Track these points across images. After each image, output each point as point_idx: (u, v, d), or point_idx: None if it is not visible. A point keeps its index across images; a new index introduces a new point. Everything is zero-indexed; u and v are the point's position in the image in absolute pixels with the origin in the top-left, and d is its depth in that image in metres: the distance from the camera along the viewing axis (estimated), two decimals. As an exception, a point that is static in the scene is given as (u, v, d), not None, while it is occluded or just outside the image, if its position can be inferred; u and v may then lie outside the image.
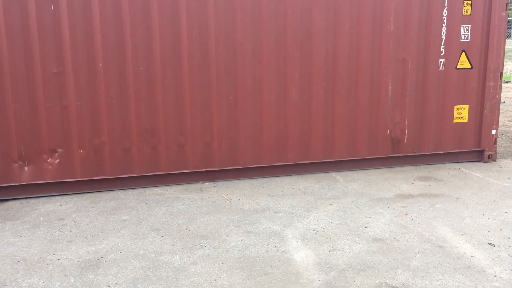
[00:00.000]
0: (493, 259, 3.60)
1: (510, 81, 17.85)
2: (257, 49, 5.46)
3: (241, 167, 5.68)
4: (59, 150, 5.07)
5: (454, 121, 6.25)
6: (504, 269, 3.44)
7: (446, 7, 5.96)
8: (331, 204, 4.86)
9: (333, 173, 5.93)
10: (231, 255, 3.71)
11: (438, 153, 6.31)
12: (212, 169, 5.59)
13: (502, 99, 12.73)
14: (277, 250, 3.80)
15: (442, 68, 6.09)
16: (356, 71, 5.82)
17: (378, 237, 4.03)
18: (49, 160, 5.06)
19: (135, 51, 5.11)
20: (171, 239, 4.01)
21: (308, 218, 4.48)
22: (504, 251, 3.74)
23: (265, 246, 3.87)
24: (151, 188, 5.37)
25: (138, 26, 5.07)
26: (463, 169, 6.08)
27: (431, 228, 4.21)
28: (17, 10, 4.73)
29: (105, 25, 4.98)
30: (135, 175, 5.35)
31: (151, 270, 3.48)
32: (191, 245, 3.89)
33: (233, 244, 3.91)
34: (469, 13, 6.04)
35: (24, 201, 4.97)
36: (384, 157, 6.15)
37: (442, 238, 3.99)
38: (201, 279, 3.34)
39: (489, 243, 3.88)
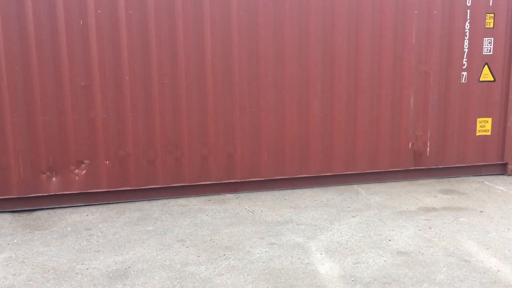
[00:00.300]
0: (520, 274, 3.58)
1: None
2: (280, 63, 5.53)
3: (263, 179, 5.73)
4: (86, 161, 5.18)
5: (477, 134, 6.22)
6: (531, 284, 3.42)
7: (469, 20, 5.96)
8: (353, 216, 4.86)
9: (355, 186, 5.94)
10: (256, 266, 3.75)
11: (461, 166, 6.28)
12: (235, 180, 5.65)
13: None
14: (302, 262, 3.82)
15: (465, 81, 6.08)
16: (378, 84, 5.85)
17: (403, 250, 4.03)
18: (76, 171, 5.17)
19: (160, 65, 5.21)
20: (196, 250, 4.06)
21: (331, 230, 4.49)
22: (531, 266, 3.71)
23: (290, 258, 3.90)
24: (174, 199, 5.44)
25: (163, 41, 5.18)
26: (486, 182, 6.03)
27: (455, 241, 4.19)
28: (47, 25, 4.87)
29: (131, 40, 5.10)
30: (159, 186, 5.43)
31: (177, 280, 3.53)
32: (216, 256, 3.94)
33: (257, 255, 3.95)
34: (491, 26, 6.03)
35: (51, 211, 5.08)
36: (406, 170, 6.14)
37: (467, 252, 3.97)
38: (227, 290, 3.39)
39: (515, 258, 3.85)
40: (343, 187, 5.90)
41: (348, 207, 5.16)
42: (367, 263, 3.79)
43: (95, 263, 3.83)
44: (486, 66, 6.10)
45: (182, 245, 4.19)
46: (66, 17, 4.91)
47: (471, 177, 6.27)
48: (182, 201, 5.40)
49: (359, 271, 3.64)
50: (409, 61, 5.89)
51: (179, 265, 3.78)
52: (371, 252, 3.99)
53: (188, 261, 3.86)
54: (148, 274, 3.64)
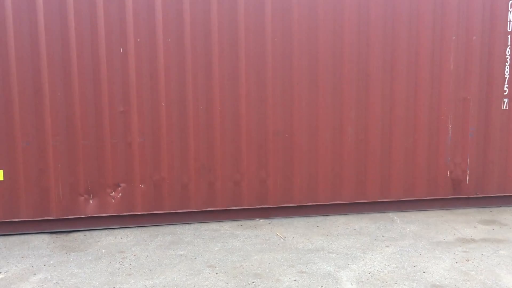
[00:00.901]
0: None
1: None
2: (313, 89, 5.53)
3: (295, 205, 5.70)
4: (122, 184, 5.30)
5: (520, 162, 5.99)
6: None
7: (509, 46, 5.82)
8: (387, 246, 4.75)
9: (390, 214, 5.81)
10: (285, 295, 3.71)
11: (503, 196, 6.05)
12: (267, 206, 5.64)
13: None
14: (331, 292, 3.75)
15: (506, 107, 5.90)
16: (415, 110, 5.75)
17: (437, 283, 3.89)
18: (113, 194, 5.30)
19: (195, 91, 5.32)
20: (225, 276, 4.06)
21: (363, 260, 4.40)
22: None
23: (319, 287, 3.83)
24: (207, 224, 5.48)
25: (198, 68, 5.29)
26: (530, 213, 5.78)
27: (494, 276, 4.02)
28: (89, 53, 5.08)
29: (168, 68, 5.24)
30: (192, 210, 5.48)
31: (205, 307, 3.53)
32: (245, 284, 3.92)
33: (286, 284, 3.90)
34: (534, 51, 5.86)
35: (88, 233, 5.21)
36: (445, 199, 5.96)
37: (506, 287, 3.80)
38: (254, 319, 3.35)
39: (559, 296, 3.65)
40: (377, 215, 5.78)
41: (382, 236, 5.05)
42: (399, 295, 3.68)
43: (126, 287, 3.89)
44: (529, 92, 5.90)
45: (212, 270, 4.19)
46: (107, 45, 5.10)
47: (514, 207, 6.03)
48: (214, 225, 5.43)
49: (390, 304, 3.54)
50: (447, 87, 5.77)
51: (207, 291, 3.79)
52: (404, 285, 3.87)
53: (217, 287, 3.86)
54: (177, 299, 3.66)
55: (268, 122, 5.51)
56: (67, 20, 5.02)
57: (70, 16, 5.03)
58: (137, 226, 5.39)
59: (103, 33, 5.09)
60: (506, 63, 5.84)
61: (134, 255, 4.58)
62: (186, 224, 5.47)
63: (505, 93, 5.87)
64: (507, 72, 5.85)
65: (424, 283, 3.89)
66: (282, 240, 4.96)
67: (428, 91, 5.75)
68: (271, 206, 5.66)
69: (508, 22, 5.80)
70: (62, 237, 5.11)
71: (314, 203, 5.74)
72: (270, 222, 5.56)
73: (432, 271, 4.12)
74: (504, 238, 4.93)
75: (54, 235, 5.14)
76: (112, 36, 5.11)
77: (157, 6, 5.16)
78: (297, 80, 5.50)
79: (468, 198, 6.00)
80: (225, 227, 5.37)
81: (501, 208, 5.98)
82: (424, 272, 4.10)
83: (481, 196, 5.99)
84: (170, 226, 5.40)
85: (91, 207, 5.28)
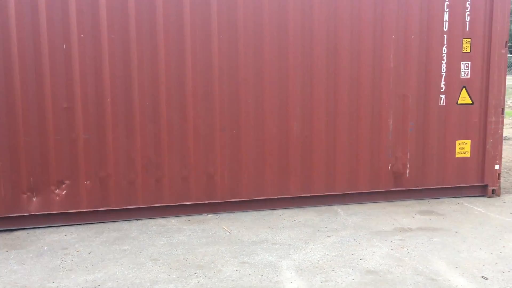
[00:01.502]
0: (485, 293, 3.61)
1: (523, 117, 17.72)
2: (259, 85, 5.65)
3: (243, 199, 5.79)
4: (66, 181, 5.26)
5: (457, 155, 6.29)
6: (494, 303, 3.45)
7: (446, 45, 6.10)
8: (329, 236, 4.91)
9: (335, 206, 5.99)
10: (225, 285, 3.79)
11: (441, 188, 6.33)
12: (215, 201, 5.71)
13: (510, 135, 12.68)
14: (270, 280, 3.86)
15: (443, 103, 6.19)
16: (357, 106, 5.95)
17: (372, 269, 4.06)
18: (57, 191, 5.25)
19: (141, 87, 5.34)
20: (168, 269, 4.11)
21: (305, 250, 4.53)
22: (496, 284, 3.74)
23: (259, 276, 3.94)
24: (154, 219, 5.49)
25: (144, 63, 5.31)
26: (466, 204, 6.08)
27: (426, 261, 4.23)
28: (31, 48, 5.02)
29: (113, 64, 5.23)
30: (140, 206, 5.49)
31: (145, 298, 3.57)
32: (186, 275, 3.98)
33: (227, 274, 3.99)
34: (468, 50, 6.17)
35: (31, 231, 5.13)
36: (387, 191, 6.19)
37: (436, 271, 4.01)
38: (192, 307, 3.42)
39: (482, 277, 3.89)
40: (323, 207, 5.95)
41: (325, 227, 5.21)
42: (335, 281, 3.83)
43: (66, 282, 3.88)
44: (464, 89, 6.21)
45: (154, 264, 4.23)
46: (49, 41, 5.05)
47: (452, 198, 6.32)
48: (161, 221, 5.46)
49: (325, 289, 3.68)
50: (387, 84, 6.00)
51: (148, 283, 3.82)
52: (341, 271, 4.02)
53: (158, 280, 3.90)
54: (117, 291, 3.68)
55: (215, 118, 5.58)
56: (8, 16, 4.95)
57: (11, 11, 4.95)
58: (83, 224, 5.35)
59: (45, 29, 5.04)
60: (443, 61, 6.12)
61: (77, 251, 4.56)
62: (134, 220, 5.47)
63: (442, 90, 6.16)
64: (443, 70, 6.14)
65: (360, 269, 4.06)
66: (228, 233, 5.05)
67: (369, 88, 5.96)
68: (219, 201, 5.73)
69: (444, 22, 6.09)
70: (4, 235, 5.02)
71: (261, 198, 5.85)
72: (218, 216, 5.63)
73: (369, 258, 4.30)
74: (439, 227, 5.18)
75: (-5, 234, 5.05)
76: (54, 32, 5.07)
77: (101, 2, 5.15)
78: (243, 76, 5.60)
79: (409, 190, 6.25)
80: (173, 222, 5.41)
81: (439, 199, 6.26)
82: (360, 259, 4.27)
83: (421, 188, 6.26)
84: (116, 223, 5.39)
85: (34, 205, 5.20)
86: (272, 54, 5.65)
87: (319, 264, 4.19)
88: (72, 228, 5.23)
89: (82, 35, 5.14)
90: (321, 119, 5.87)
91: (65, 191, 5.27)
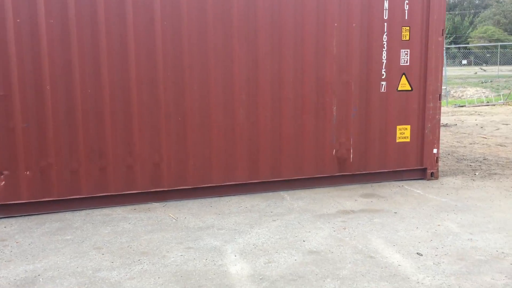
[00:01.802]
0: (419, 267, 3.79)
1: (465, 106, 18.58)
2: (205, 72, 5.64)
3: (190, 187, 5.79)
4: (5, 172, 5.08)
5: (397, 140, 6.53)
6: (427, 276, 3.63)
7: (386, 33, 6.30)
8: (274, 220, 4.99)
9: (281, 192, 6.09)
10: (169, 269, 3.79)
11: (383, 171, 6.56)
12: (162, 189, 5.68)
13: (454, 122, 13.27)
14: (215, 264, 3.90)
15: (384, 90, 6.39)
16: (302, 93, 6.06)
17: (314, 250, 4.18)
18: (-5, 182, 5.07)
19: (82, 74, 5.22)
20: (111, 256, 4.07)
21: (250, 234, 4.60)
22: (430, 260, 3.93)
23: (203, 260, 3.97)
24: (99, 209, 5.41)
25: (86, 49, 5.19)
26: (406, 186, 6.33)
27: (365, 240, 4.39)
28: (-37, 34, 4.81)
29: (53, 49, 5.08)
30: (83, 196, 5.39)
31: (86, 286, 3.53)
32: (130, 262, 3.96)
33: (172, 259, 3.99)
34: (407, 38, 6.39)
35: (-33, 224, 4.94)
36: (331, 176, 6.35)
37: (374, 249, 4.17)
38: (135, 292, 3.41)
39: (417, 253, 4.07)
40: (270, 193, 6.04)
41: (271, 212, 5.30)
42: (278, 262, 3.91)
43: (4, 273, 3.77)
44: (403, 76, 6.44)
45: (98, 252, 4.17)
46: (-17, 26, 4.86)
47: (393, 182, 6.56)
48: (106, 210, 5.38)
49: (268, 270, 3.75)
50: (331, 71, 6.14)
51: (90, 271, 3.78)
52: (284, 253, 4.11)
53: (101, 267, 3.85)
54: (57, 281, 3.62)
55: (160, 105, 5.54)
56: None
57: None
58: (24, 215, 5.20)
59: (-22, 13, 4.83)
60: (383, 49, 6.32)
61: (17, 242, 4.43)
62: (77, 211, 5.36)
63: (383, 77, 6.36)
64: (384, 57, 6.33)
65: (302, 250, 4.16)
66: (174, 220, 5.04)
67: (314, 74, 6.07)
68: (166, 189, 5.71)
69: (385, 11, 6.28)
70: None
71: (208, 185, 5.87)
72: (165, 204, 5.61)
73: (311, 240, 4.41)
74: (380, 209, 5.37)
75: None
76: (-12, 16, 4.87)
77: (38, -14, 4.99)
78: (188, 63, 5.58)
79: (353, 175, 6.44)
80: (118, 212, 5.34)
81: (381, 183, 6.49)
82: (304, 241, 4.38)
83: (364, 172, 6.46)
84: (59, 213, 5.27)
85: (-30, 197, 5.01)
86: (217, 41, 5.65)
87: (263, 247, 4.26)
88: (12, 220, 5.07)
89: (18, 20, 4.96)
90: (266, 106, 5.94)
91: (3, 182, 5.09)
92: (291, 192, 6.08)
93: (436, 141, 6.66)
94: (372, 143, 6.43)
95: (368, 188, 6.28)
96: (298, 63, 6.00)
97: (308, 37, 5.99)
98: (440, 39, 6.51)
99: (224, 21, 5.65)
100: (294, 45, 5.95)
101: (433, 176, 6.69)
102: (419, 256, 4.01)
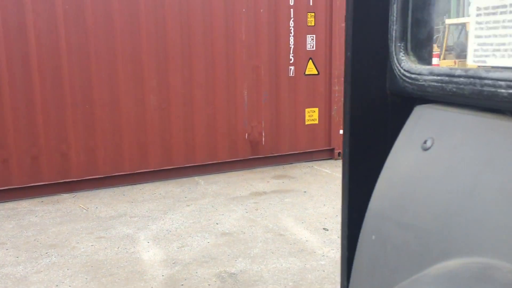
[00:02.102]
0: (324, 242, 4.02)
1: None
2: (112, 59, 5.50)
3: (101, 176, 5.65)
4: None
5: (306, 123, 6.79)
6: (331, 249, 3.87)
7: (292, 19, 6.48)
8: (188, 205, 5.04)
9: (196, 177, 6.13)
10: (78, 260, 3.72)
11: (295, 153, 6.81)
12: (71, 180, 5.50)
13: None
14: (127, 251, 3.88)
15: (293, 74, 6.60)
16: (213, 78, 6.10)
17: (227, 231, 4.29)
18: None
19: (-23, 61, 4.89)
20: (16, 251, 3.91)
21: (163, 220, 4.61)
22: (335, 234, 4.19)
23: (115, 249, 3.93)
24: (2, 204, 5.13)
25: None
26: (316, 167, 6.62)
27: (276, 219, 4.57)
28: None
29: None
30: (-16, 191, 5.09)
31: (-11, 283, 3.38)
32: (37, 255, 3.83)
33: (82, 250, 3.92)
34: (313, 24, 6.63)
35: None
36: (245, 159, 6.49)
37: (284, 227, 4.36)
38: (42, 286, 3.32)
39: (323, 228, 4.32)
40: (184, 179, 6.05)
41: (185, 197, 5.33)
42: (191, 246, 3.97)
43: None
44: (310, 60, 6.68)
45: (1, 248, 3.99)
46: None
47: (304, 162, 6.83)
48: (11, 204, 5.12)
49: (181, 254, 3.81)
50: (240, 56, 6.23)
51: (-7, 268, 3.61)
52: (197, 236, 4.18)
53: (5, 263, 3.69)
54: (-44, 280, 3.43)
55: (65, 94, 5.33)
56: None
57: None
58: None
59: None
60: (291, 34, 6.51)
61: None
62: (-22, 206, 5.06)
63: (291, 62, 6.56)
64: (291, 42, 6.53)
65: (215, 233, 4.25)
66: (84, 211, 4.92)
67: (224, 60, 6.13)
68: (76, 179, 5.53)
69: (291, -3, 6.46)
70: None
71: (120, 173, 5.76)
72: (75, 195, 5.44)
73: (224, 222, 4.51)
74: (290, 189, 5.60)
75: None
76: None
77: None
78: (94, 49, 5.40)
79: (266, 157, 6.62)
80: (24, 205, 5.11)
81: (293, 164, 6.73)
82: (217, 224, 4.47)
83: (276, 155, 6.67)
84: (-43, 210, 4.94)
85: None
86: (124, 26, 5.52)
87: (177, 232, 4.30)
88: None
89: None
90: (178, 92, 5.92)
91: None
92: (206, 177, 6.14)
93: (342, 123, 7.00)
94: (283, 126, 6.64)
95: (280, 169, 6.50)
96: (208, 48, 6.02)
97: (217, 23, 6.02)
98: (343, 24, 6.79)
99: (130, 4, 5.52)
100: (203, 30, 5.96)
101: (340, 156, 7.04)
102: (325, 231, 4.26)
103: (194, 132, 6.10)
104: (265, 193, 5.45)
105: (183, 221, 4.56)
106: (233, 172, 6.36)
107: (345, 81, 1.06)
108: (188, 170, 6.16)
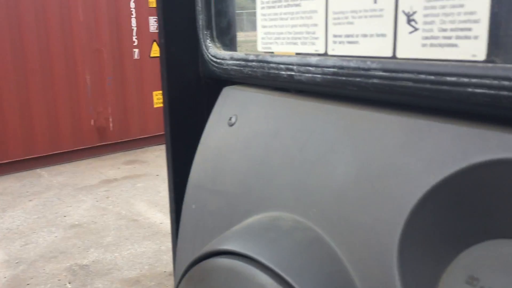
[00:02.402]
0: (179, 222, 4.07)
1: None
2: None
3: None
4: None
5: (155, 106, 6.72)
6: (186, 228, 3.94)
7: (133, 0, 6.31)
8: (31, 200, 4.69)
9: (38, 170, 5.70)
10: None
11: (145, 137, 6.70)
12: None
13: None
14: (-40, 258, 3.50)
15: (138, 57, 6.45)
16: (50, 63, 5.68)
17: (76, 223, 4.10)
18: None
19: None
20: None
21: (2, 218, 4.23)
22: (188, 213, 4.27)
23: None
24: None
25: None
26: (167, 149, 6.61)
27: (129, 205, 4.49)
28: None
29: None
30: None
31: None
32: None
33: None
34: (155, 5, 6.51)
35: None
36: (92, 147, 6.21)
37: (137, 212, 4.31)
38: None
39: (177, 209, 4.37)
40: (25, 173, 5.60)
41: (27, 192, 4.95)
42: (37, 242, 3.73)
43: None
44: (154, 42, 6.59)
45: None
46: None
47: (155, 146, 6.76)
48: None
49: (25, 252, 3.55)
50: (79, 38, 5.89)
51: None
52: (43, 232, 3.93)
53: None
54: None
55: None
56: None
57: None
58: None
59: None
60: (132, 16, 6.33)
61: None
62: None
63: (134, 44, 6.40)
64: (134, 24, 6.36)
65: (63, 226, 4.04)
66: None
67: (61, 43, 5.74)
68: None
69: (130, -23, 6.27)
70: None
71: None
72: None
73: (73, 214, 4.31)
74: (142, 173, 5.53)
75: None
76: None
77: None
78: None
79: (115, 143, 6.41)
80: None
81: (143, 148, 6.64)
82: (65, 216, 4.25)
83: (126, 140, 6.50)
84: None
85: None
86: None
87: (19, 229, 3.99)
88: None
89: None
90: (10, 79, 5.40)
91: None
92: (49, 168, 5.76)
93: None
94: (131, 110, 6.49)
95: (131, 155, 6.36)
96: (42, 30, 5.58)
97: (51, 3, 5.60)
98: (186, 6, 6.83)
99: None
100: (35, 12, 5.49)
101: (192, 137, 7.13)
102: (179, 211, 4.31)
103: (33, 121, 5.64)
104: (116, 180, 5.30)
105: (26, 218, 4.24)
106: (81, 161, 6.06)
107: (161, 66, 1.12)
108: (29, 163, 5.70)
